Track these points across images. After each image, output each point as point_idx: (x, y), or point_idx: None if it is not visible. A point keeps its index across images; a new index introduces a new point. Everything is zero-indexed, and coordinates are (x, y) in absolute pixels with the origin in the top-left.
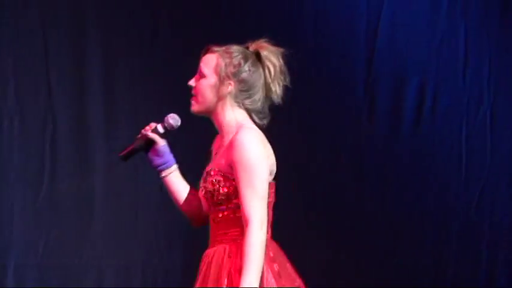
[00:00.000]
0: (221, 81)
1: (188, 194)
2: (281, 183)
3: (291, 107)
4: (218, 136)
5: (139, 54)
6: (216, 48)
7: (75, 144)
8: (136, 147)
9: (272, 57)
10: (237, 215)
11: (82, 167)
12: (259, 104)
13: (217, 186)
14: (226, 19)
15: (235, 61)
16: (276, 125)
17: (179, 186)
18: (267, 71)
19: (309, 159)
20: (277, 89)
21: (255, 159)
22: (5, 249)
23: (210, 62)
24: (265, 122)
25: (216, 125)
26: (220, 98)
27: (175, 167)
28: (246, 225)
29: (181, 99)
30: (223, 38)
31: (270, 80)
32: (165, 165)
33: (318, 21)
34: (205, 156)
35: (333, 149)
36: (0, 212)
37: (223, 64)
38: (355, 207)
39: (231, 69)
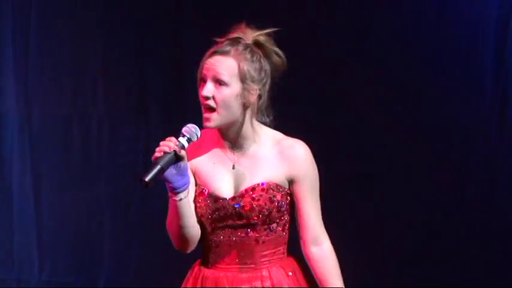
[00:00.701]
0: (246, 88)
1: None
2: (406, 193)
3: (414, 111)
4: (201, 143)
5: None
6: (225, 49)
7: None
8: (164, 166)
9: (271, 44)
10: (284, 232)
11: None
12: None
13: (276, 203)
14: (343, 21)
15: (256, 64)
16: (401, 131)
17: (190, 210)
18: (271, 60)
19: (431, 170)
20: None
21: (317, 175)
22: (95, 267)
23: (230, 67)
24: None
25: (230, 137)
26: (245, 107)
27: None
28: (319, 244)
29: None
30: (339, 43)
31: (275, 70)
32: (185, 185)
33: (442, 21)
34: None
35: (459, 158)
36: (89, 226)
37: (245, 68)
38: (485, 222)
39: (254, 74)
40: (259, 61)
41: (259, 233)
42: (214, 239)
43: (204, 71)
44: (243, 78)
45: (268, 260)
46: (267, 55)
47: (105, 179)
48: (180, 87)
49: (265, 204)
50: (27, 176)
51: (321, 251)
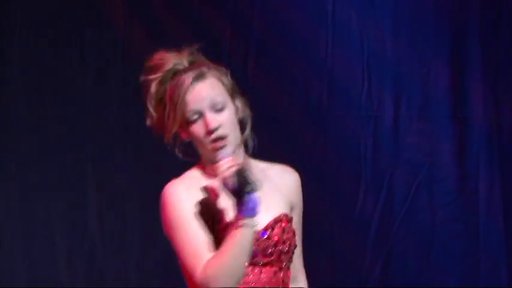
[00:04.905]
0: (236, 104)
1: None
2: None
3: None
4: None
5: None
6: (200, 72)
7: None
8: None
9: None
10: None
11: None
12: None
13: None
14: None
15: (227, 75)
16: None
17: None
18: None
19: None
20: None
21: None
22: None
23: (218, 87)
24: None
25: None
26: (240, 126)
27: None
28: (295, 283)
29: None
30: None
31: None
32: None
33: None
34: None
35: None
36: None
37: (227, 82)
38: None
39: (234, 87)
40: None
41: (285, 273)
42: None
43: (196, 105)
44: (232, 94)
45: None
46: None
47: None
48: None
49: (293, 238)
50: (496, 192)
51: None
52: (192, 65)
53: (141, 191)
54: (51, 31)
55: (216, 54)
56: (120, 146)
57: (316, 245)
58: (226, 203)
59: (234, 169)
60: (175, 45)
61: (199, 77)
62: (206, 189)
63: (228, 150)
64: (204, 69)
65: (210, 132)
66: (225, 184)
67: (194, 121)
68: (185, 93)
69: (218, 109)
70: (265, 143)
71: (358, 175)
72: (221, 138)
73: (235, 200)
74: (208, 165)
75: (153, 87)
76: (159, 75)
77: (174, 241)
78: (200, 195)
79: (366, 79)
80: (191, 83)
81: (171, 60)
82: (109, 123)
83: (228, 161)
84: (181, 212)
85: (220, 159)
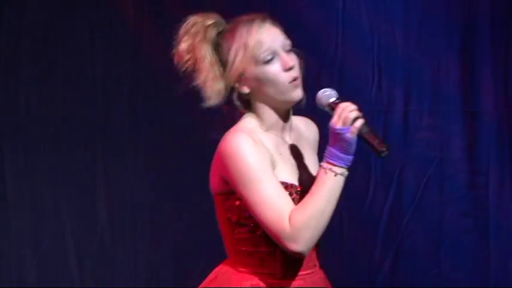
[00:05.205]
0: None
1: None
2: None
3: None
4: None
5: None
6: (263, 14)
7: None
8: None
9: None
10: None
11: None
12: None
13: None
14: None
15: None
16: None
17: None
18: None
19: None
20: None
21: None
22: None
23: (280, 30)
24: None
25: (289, 115)
26: None
27: None
28: None
29: None
30: None
31: None
32: None
33: None
34: None
35: None
36: None
37: (282, 28)
38: None
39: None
40: None
41: None
42: None
43: (271, 44)
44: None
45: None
46: None
47: None
48: None
49: None
50: (506, 187)
51: None
52: (243, 16)
53: (151, 187)
54: (60, 30)
55: None
56: (131, 142)
57: (325, 241)
58: (300, 159)
59: (362, 121)
60: None
61: (264, 20)
62: (290, 146)
63: (302, 92)
64: (263, 14)
65: (288, 69)
66: (344, 130)
67: (269, 61)
68: (257, 34)
69: (288, 50)
70: None
71: (368, 170)
72: (296, 78)
73: (339, 145)
74: (265, 118)
75: (200, 49)
76: (201, 35)
77: (250, 196)
78: (265, 148)
79: (376, 74)
80: (260, 25)
81: (209, 19)
82: (119, 119)
83: (354, 108)
84: (255, 165)
85: (322, 98)
